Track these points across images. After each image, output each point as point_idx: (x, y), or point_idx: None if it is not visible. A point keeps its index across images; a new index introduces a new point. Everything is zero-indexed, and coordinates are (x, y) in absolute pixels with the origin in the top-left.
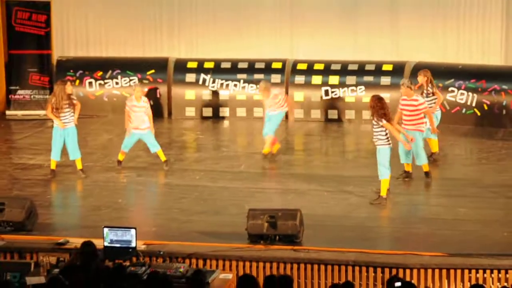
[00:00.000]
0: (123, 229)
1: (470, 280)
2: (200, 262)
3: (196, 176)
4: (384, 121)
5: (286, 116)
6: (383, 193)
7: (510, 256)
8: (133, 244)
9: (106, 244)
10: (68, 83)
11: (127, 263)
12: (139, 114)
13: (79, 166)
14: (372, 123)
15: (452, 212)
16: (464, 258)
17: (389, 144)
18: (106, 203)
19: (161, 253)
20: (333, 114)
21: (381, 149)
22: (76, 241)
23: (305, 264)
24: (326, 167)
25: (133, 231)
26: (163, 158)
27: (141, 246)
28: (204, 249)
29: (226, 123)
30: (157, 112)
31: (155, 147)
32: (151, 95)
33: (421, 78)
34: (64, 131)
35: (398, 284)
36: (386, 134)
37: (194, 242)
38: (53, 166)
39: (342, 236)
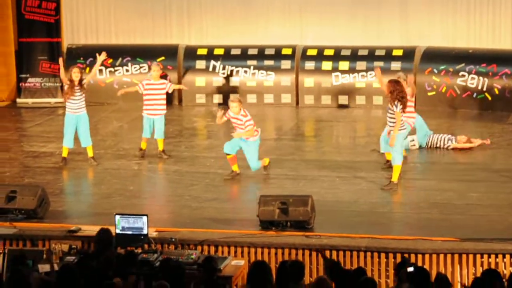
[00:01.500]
0: (134, 216)
1: (482, 265)
2: (212, 249)
3: (207, 163)
4: (398, 108)
5: (297, 102)
6: (395, 178)
7: None
8: (145, 231)
9: (118, 231)
10: (74, 69)
11: (139, 250)
12: (155, 95)
13: (90, 153)
14: (387, 108)
15: (464, 197)
16: (475, 243)
17: (404, 129)
18: (117, 191)
19: (173, 240)
20: (343, 100)
21: (396, 135)
22: (88, 229)
23: (317, 251)
24: (337, 153)
25: (144, 218)
26: (161, 147)
27: (152, 233)
28: (215, 236)
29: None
30: (168, 99)
31: (160, 135)
32: None
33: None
34: (76, 118)
35: (410, 269)
36: (401, 119)
37: (206, 229)
38: (65, 154)
39: (353, 221)
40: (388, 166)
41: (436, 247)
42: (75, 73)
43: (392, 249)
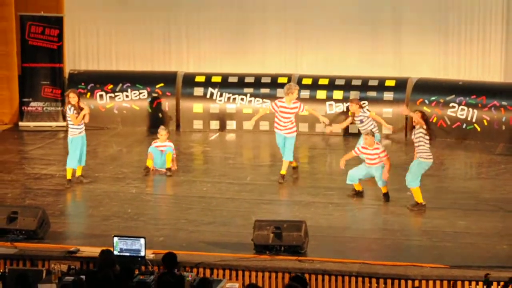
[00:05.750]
0: (132, 238)
1: None
2: (207, 271)
3: (203, 188)
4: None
5: None
6: (420, 200)
7: (509, 269)
8: (142, 253)
9: (116, 253)
10: (70, 94)
11: (136, 272)
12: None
13: (79, 172)
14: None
15: (453, 224)
16: (464, 270)
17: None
18: (116, 213)
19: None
20: (337, 128)
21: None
22: (87, 250)
23: (310, 275)
24: (330, 179)
25: (142, 240)
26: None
27: (149, 255)
28: (211, 259)
29: (232, 136)
30: (165, 124)
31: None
32: (158, 108)
33: (354, 107)
34: (82, 139)
35: None
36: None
37: (202, 252)
38: (70, 175)
39: (345, 247)
40: (354, 194)
41: (426, 274)
42: (71, 98)
43: (382, 275)
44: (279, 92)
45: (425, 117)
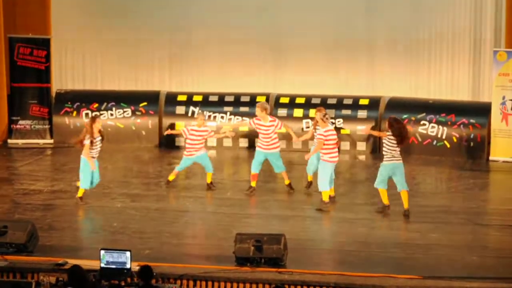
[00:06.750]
0: (118, 251)
1: None
2: (191, 283)
3: (186, 202)
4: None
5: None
6: (385, 201)
7: (478, 279)
8: (128, 266)
9: (102, 265)
10: (98, 119)
11: (122, 283)
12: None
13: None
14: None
15: (425, 237)
16: (436, 280)
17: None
18: (102, 227)
19: (154, 274)
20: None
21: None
22: (74, 262)
23: (289, 286)
24: (308, 194)
25: (128, 253)
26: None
27: (135, 268)
28: (194, 271)
29: (213, 152)
30: (149, 141)
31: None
32: (143, 125)
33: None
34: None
35: None
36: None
37: (185, 264)
38: (81, 194)
39: (323, 259)
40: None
41: (400, 284)
42: (100, 123)
43: (359, 286)
44: None
45: (392, 124)
